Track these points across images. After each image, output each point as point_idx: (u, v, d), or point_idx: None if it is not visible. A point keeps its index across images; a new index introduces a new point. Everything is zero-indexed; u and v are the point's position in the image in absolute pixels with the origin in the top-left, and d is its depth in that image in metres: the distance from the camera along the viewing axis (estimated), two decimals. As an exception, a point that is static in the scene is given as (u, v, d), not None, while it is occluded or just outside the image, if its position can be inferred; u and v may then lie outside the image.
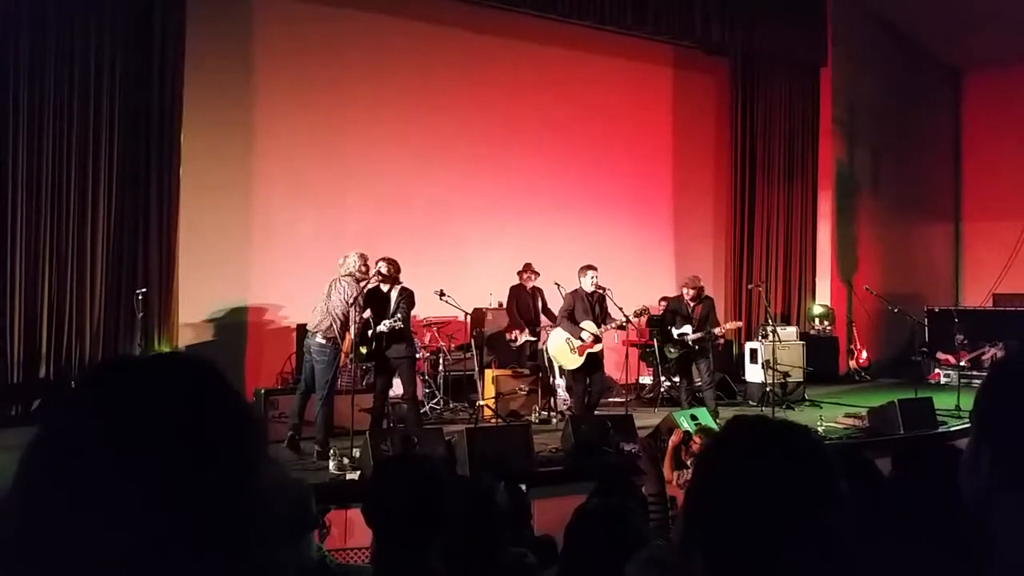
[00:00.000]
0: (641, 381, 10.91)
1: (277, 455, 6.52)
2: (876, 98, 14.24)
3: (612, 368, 9.86)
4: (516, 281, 9.71)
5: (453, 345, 9.77)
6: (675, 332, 9.28)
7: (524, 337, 9.52)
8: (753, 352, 10.64)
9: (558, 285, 9.05)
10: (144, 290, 8.33)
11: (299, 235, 9.87)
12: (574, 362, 8.43)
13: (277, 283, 9.63)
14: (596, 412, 8.30)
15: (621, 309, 8.47)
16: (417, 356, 8.51)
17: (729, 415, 6.91)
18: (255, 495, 0.81)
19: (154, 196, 8.77)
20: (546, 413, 9.17)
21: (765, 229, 13.08)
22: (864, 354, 13.11)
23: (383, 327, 7.30)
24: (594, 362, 8.42)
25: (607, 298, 8.58)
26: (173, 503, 0.75)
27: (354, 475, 6.23)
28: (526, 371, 9.39)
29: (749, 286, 12.44)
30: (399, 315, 7.37)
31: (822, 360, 11.95)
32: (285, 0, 10.03)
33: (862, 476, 1.98)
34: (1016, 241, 14.66)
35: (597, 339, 8.36)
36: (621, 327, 8.69)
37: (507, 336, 9.65)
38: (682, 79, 13.06)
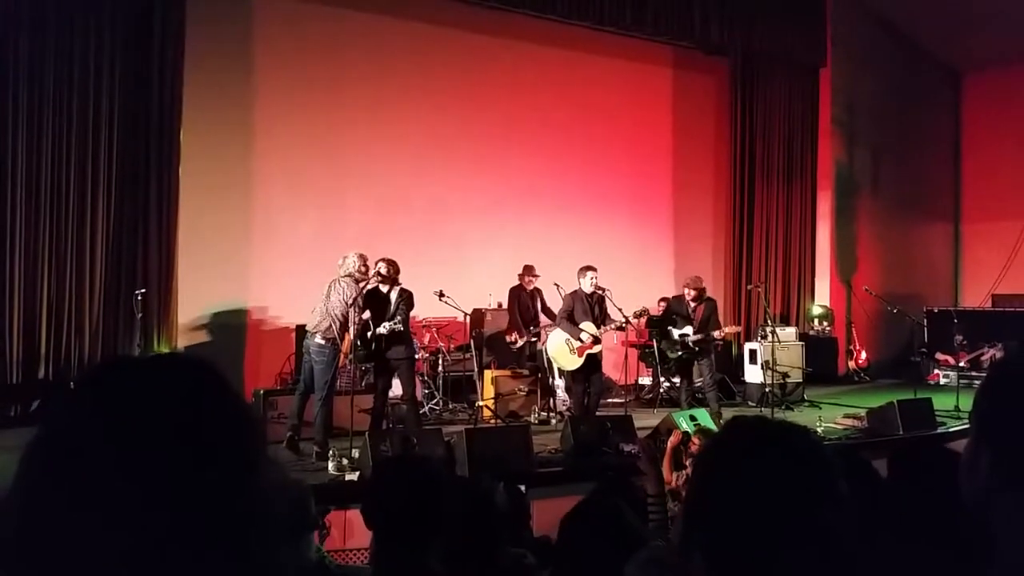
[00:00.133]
0: (640, 382, 10.91)
1: (276, 456, 6.52)
2: (876, 98, 14.24)
3: (611, 369, 9.87)
4: (515, 282, 9.71)
5: (452, 346, 9.77)
6: (676, 333, 9.26)
7: (524, 340, 9.52)
8: (752, 353, 10.64)
9: (558, 286, 9.05)
10: (143, 290, 8.33)
11: (299, 235, 9.87)
12: (573, 363, 8.43)
13: (276, 283, 9.63)
14: (595, 413, 8.30)
15: (620, 310, 8.46)
16: (416, 357, 8.51)
17: (728, 416, 6.94)
18: (255, 495, 0.81)
19: (153, 196, 8.76)
20: (545, 414, 9.17)
21: (764, 229, 13.08)
22: (863, 355, 13.11)
23: (383, 329, 7.30)
24: (593, 363, 8.42)
25: (606, 299, 8.58)
26: (172, 503, 0.75)
27: (353, 476, 6.23)
28: (525, 372, 9.39)
29: (748, 286, 12.44)
30: (399, 317, 7.37)
31: (821, 361, 11.95)
32: (285, 0, 10.03)
33: (859, 477, 1.98)
34: (1015, 241, 14.67)
35: (596, 340, 8.36)
36: (620, 328, 8.68)
37: (507, 338, 9.65)
38: (681, 79, 13.06)
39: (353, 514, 5.32)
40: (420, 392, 8.84)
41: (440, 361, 9.55)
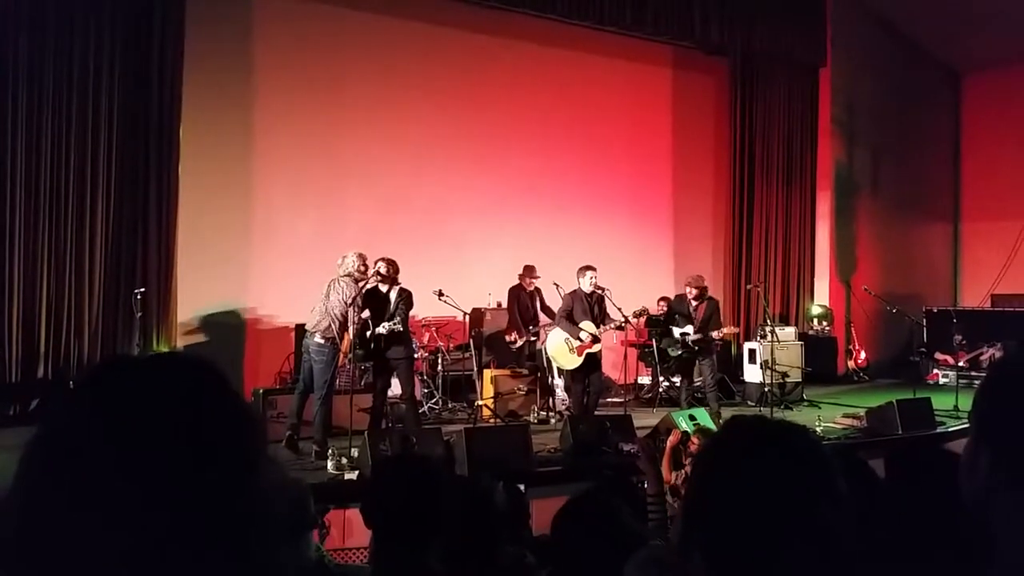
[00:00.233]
0: (640, 381, 10.91)
1: (276, 455, 6.52)
2: (875, 98, 14.24)
3: (611, 368, 9.87)
4: (515, 282, 9.71)
5: (452, 345, 9.77)
6: (677, 332, 9.24)
7: (523, 340, 9.53)
8: (752, 352, 10.64)
9: (557, 286, 9.05)
10: (143, 290, 8.33)
11: (298, 235, 9.87)
12: (573, 362, 8.43)
13: (276, 283, 9.63)
14: (595, 412, 8.30)
15: (620, 309, 8.46)
16: (415, 356, 8.51)
17: (727, 415, 6.94)
18: (255, 495, 0.81)
19: (153, 196, 8.76)
20: (545, 413, 9.17)
21: (764, 229, 13.08)
22: (863, 354, 13.11)
23: (382, 329, 7.30)
24: (593, 362, 8.42)
25: (606, 298, 8.57)
26: (172, 503, 0.75)
27: (352, 475, 6.23)
28: (525, 371, 9.39)
29: (748, 286, 12.44)
30: (398, 318, 7.37)
31: (820, 360, 11.95)
32: (285, 0, 10.03)
33: (857, 476, 1.98)
34: (1015, 241, 14.67)
35: (595, 339, 8.35)
36: (620, 327, 8.68)
37: (506, 338, 9.65)
38: (681, 79, 13.06)
39: (352, 513, 5.32)
40: (419, 391, 8.84)
41: (439, 360, 9.55)
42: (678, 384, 10.14)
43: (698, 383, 9.44)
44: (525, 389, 9.30)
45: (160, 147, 8.77)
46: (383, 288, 7.54)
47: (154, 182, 8.76)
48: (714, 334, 9.02)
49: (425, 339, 9.68)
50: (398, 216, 10.40)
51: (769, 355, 9.95)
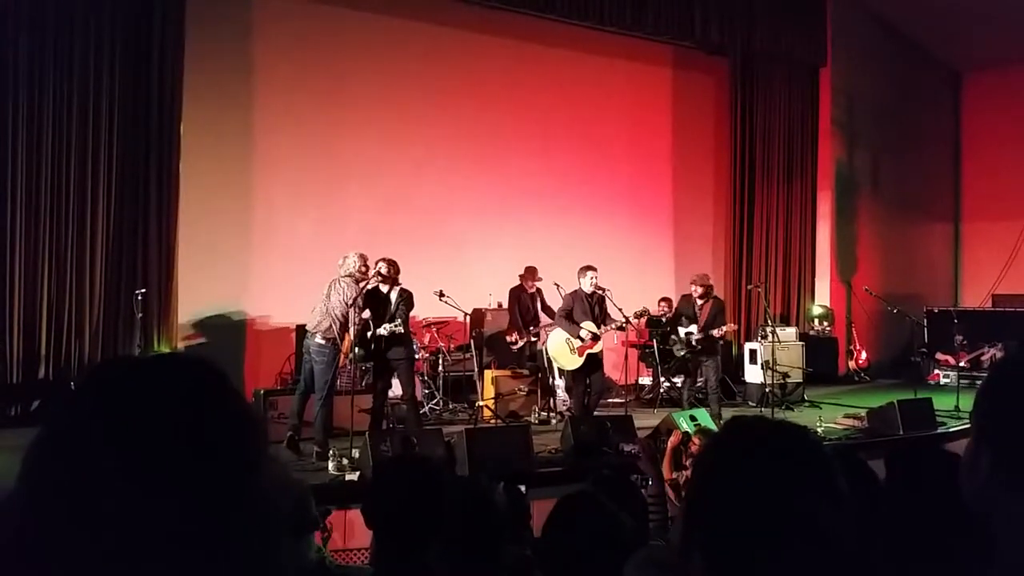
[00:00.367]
0: (641, 382, 10.91)
1: (278, 455, 6.51)
2: (876, 98, 14.24)
3: (611, 369, 9.86)
4: (516, 282, 9.71)
5: (452, 346, 9.77)
6: (682, 332, 9.19)
7: (524, 339, 9.53)
8: (752, 353, 10.64)
9: (558, 286, 9.05)
10: (143, 290, 8.33)
11: (298, 235, 9.87)
12: (574, 363, 8.42)
13: (276, 283, 9.63)
14: (595, 413, 8.30)
15: (621, 310, 8.45)
16: (416, 357, 8.51)
17: (728, 416, 6.93)
18: (256, 495, 0.81)
19: (153, 196, 8.76)
20: (545, 414, 9.17)
21: (764, 229, 13.08)
22: (863, 355, 13.11)
23: (383, 331, 7.30)
24: (594, 363, 8.41)
25: (607, 299, 8.57)
26: (173, 503, 0.75)
27: (353, 476, 6.23)
28: (525, 372, 9.39)
29: (748, 286, 12.44)
30: (399, 320, 7.36)
31: (821, 361, 11.95)
32: (285, 0, 10.03)
33: (856, 477, 1.98)
34: (1015, 242, 14.67)
35: (596, 337, 8.34)
36: (621, 328, 8.67)
37: (507, 338, 9.65)
38: (682, 79, 13.06)
39: (353, 514, 5.32)
40: (420, 392, 8.84)
41: (440, 361, 9.55)
42: (679, 385, 10.14)
43: (700, 383, 9.43)
44: (526, 390, 9.30)
45: (160, 147, 8.77)
46: (384, 288, 7.54)
47: (154, 182, 8.76)
48: (715, 332, 8.96)
49: (426, 340, 9.69)
50: (398, 216, 10.40)
51: (770, 355, 9.95)
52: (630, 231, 12.23)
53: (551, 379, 9.42)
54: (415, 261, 8.71)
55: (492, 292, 10.17)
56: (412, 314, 7.89)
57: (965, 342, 12.32)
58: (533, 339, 9.55)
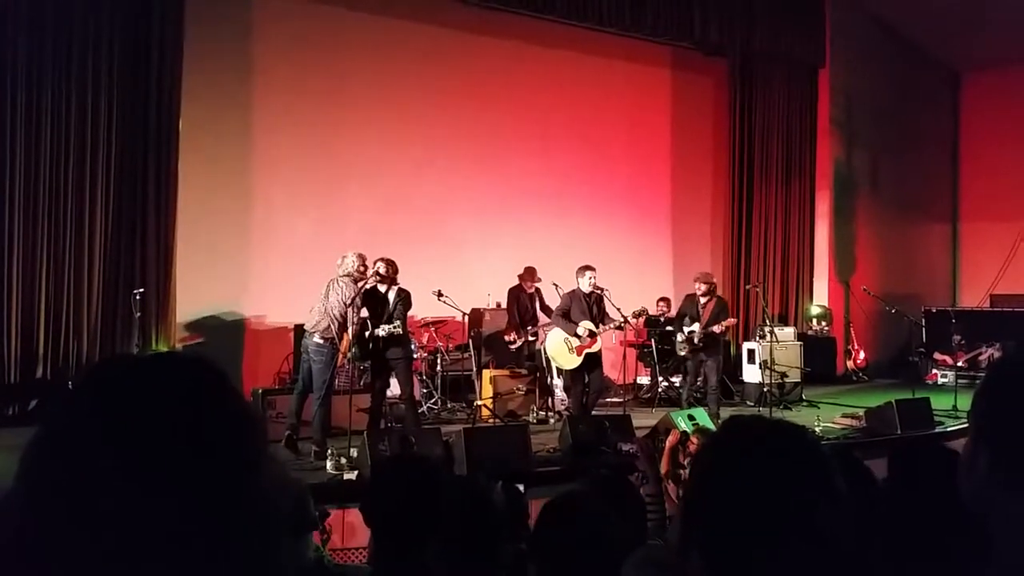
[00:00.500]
0: (639, 381, 10.91)
1: (276, 455, 6.51)
2: (875, 98, 14.24)
3: (610, 368, 9.85)
4: (515, 282, 9.71)
5: (451, 345, 9.77)
6: (686, 330, 9.16)
7: (522, 339, 9.53)
8: (751, 352, 10.64)
9: (557, 286, 9.05)
10: (142, 290, 8.32)
11: (297, 235, 9.87)
12: (572, 362, 8.42)
13: (275, 283, 9.62)
14: (594, 412, 8.30)
15: (619, 310, 8.45)
16: (414, 356, 8.51)
17: (726, 415, 6.93)
18: (256, 494, 0.81)
19: (152, 195, 8.76)
20: (544, 413, 9.17)
21: (763, 229, 13.09)
22: (862, 354, 13.12)
23: (382, 332, 7.29)
24: (592, 362, 8.41)
25: (605, 298, 8.56)
26: (172, 503, 0.75)
27: (352, 475, 6.23)
28: (524, 371, 9.39)
29: (747, 286, 12.45)
30: (398, 321, 7.36)
31: (820, 360, 11.96)
32: (285, 0, 10.03)
33: (854, 476, 1.98)
34: (1014, 242, 14.68)
35: (593, 336, 8.32)
36: (619, 327, 8.67)
37: (505, 338, 9.65)
38: (681, 80, 13.07)
39: (353, 514, 5.32)
40: (418, 391, 8.84)
41: (439, 360, 9.55)
42: (677, 384, 10.14)
43: (700, 382, 9.41)
44: (524, 389, 9.30)
45: (159, 147, 8.76)
46: (382, 288, 7.54)
47: (153, 181, 8.75)
48: (715, 328, 8.93)
49: (424, 339, 9.69)
50: (398, 216, 10.40)
51: (768, 355, 9.95)
52: (629, 231, 12.23)
53: (549, 379, 9.42)
54: (414, 261, 8.71)
55: (491, 292, 10.17)
56: (411, 314, 7.89)
57: (963, 342, 12.34)
58: (531, 338, 9.55)
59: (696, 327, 9.03)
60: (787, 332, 11.05)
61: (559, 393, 9.38)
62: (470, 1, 10.68)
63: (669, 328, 10.51)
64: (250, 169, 9.80)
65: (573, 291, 8.53)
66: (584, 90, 11.94)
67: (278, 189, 9.90)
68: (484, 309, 10.12)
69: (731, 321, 9.42)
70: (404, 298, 7.56)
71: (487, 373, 9.21)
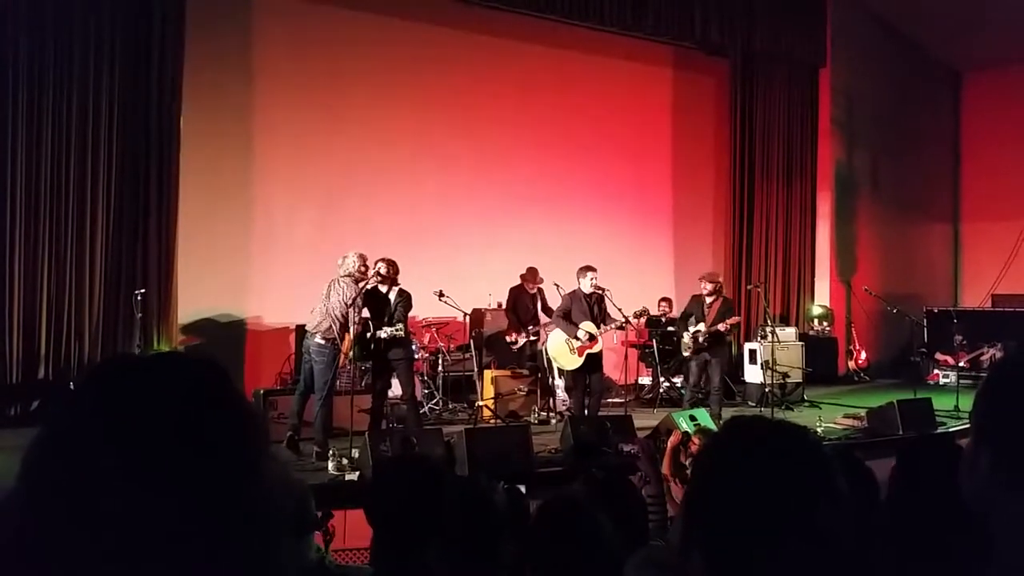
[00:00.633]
0: (640, 382, 10.91)
1: (278, 454, 6.50)
2: (876, 99, 14.24)
3: (611, 369, 9.86)
4: (516, 282, 9.70)
5: (452, 346, 9.77)
6: (691, 329, 9.13)
7: (524, 339, 9.52)
8: (752, 353, 10.63)
9: (558, 286, 9.05)
10: (143, 290, 8.32)
11: (298, 235, 9.87)
12: (573, 363, 8.41)
13: (276, 283, 9.63)
14: (596, 413, 8.29)
15: (620, 310, 8.44)
16: (415, 357, 8.51)
17: (727, 416, 6.93)
18: (256, 494, 0.81)
19: (153, 195, 8.76)
20: (545, 414, 9.17)
21: (764, 230, 13.09)
22: (863, 355, 13.11)
23: (383, 334, 7.29)
24: (594, 363, 8.40)
25: (606, 299, 8.56)
26: (173, 503, 0.75)
27: (353, 476, 6.23)
28: (525, 372, 9.39)
29: (748, 287, 12.44)
30: (399, 324, 7.35)
31: (821, 361, 11.95)
32: (285, 0, 10.03)
33: (855, 477, 1.98)
34: (1015, 242, 14.67)
35: (591, 336, 8.30)
36: (621, 327, 8.66)
37: (507, 338, 9.65)
38: (682, 80, 13.07)
39: (353, 514, 5.31)
40: (420, 392, 8.84)
41: (440, 361, 9.55)
42: (679, 385, 10.13)
43: (701, 383, 9.39)
44: (525, 390, 9.30)
45: (160, 146, 8.77)
46: (383, 289, 7.54)
47: (154, 181, 8.76)
48: (720, 326, 8.89)
49: (426, 340, 9.69)
50: (398, 216, 10.40)
51: (770, 355, 9.94)
52: (630, 231, 12.23)
53: (551, 379, 9.42)
54: (415, 261, 8.71)
55: (492, 292, 10.17)
56: (412, 314, 7.89)
57: (965, 342, 12.33)
58: (533, 338, 9.55)
59: (701, 327, 9.00)
60: (788, 332, 11.05)
61: (560, 394, 9.38)
62: (471, 1, 10.68)
63: (671, 328, 10.51)
64: (251, 169, 9.80)
65: (574, 292, 8.52)
66: (585, 89, 11.93)
67: (279, 189, 9.90)
68: (485, 309, 10.12)
69: (736, 319, 9.40)
70: (405, 299, 7.56)
71: (488, 374, 9.21)
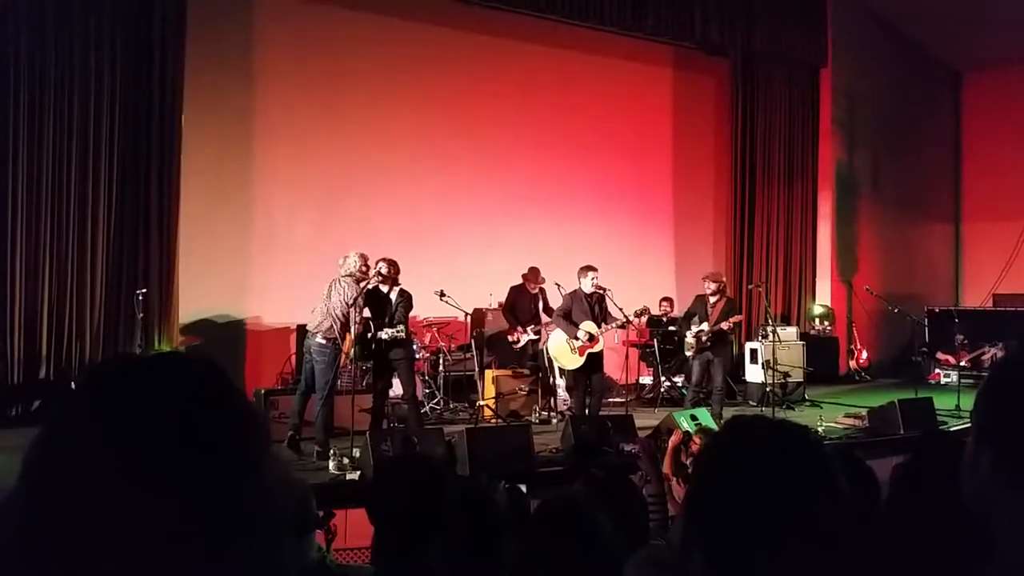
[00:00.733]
0: (641, 381, 10.91)
1: (279, 454, 6.51)
2: (876, 99, 14.24)
3: (612, 368, 9.86)
4: (517, 281, 9.70)
5: (453, 345, 9.77)
6: (694, 328, 9.12)
7: (526, 338, 9.52)
8: (753, 352, 10.63)
9: (558, 286, 9.05)
10: (144, 291, 8.32)
11: (299, 235, 9.87)
12: (575, 362, 8.41)
13: (277, 283, 9.63)
14: (597, 412, 8.29)
15: (621, 310, 8.44)
16: (416, 357, 8.51)
17: (728, 415, 6.93)
18: (257, 494, 0.81)
19: (154, 196, 8.76)
20: (546, 413, 9.16)
21: (765, 230, 13.08)
22: (864, 354, 13.11)
23: (384, 335, 7.29)
24: (595, 363, 8.39)
25: (607, 298, 8.55)
26: (174, 503, 0.76)
27: (354, 475, 6.23)
28: (526, 371, 9.39)
29: (749, 286, 12.45)
30: (401, 326, 7.35)
31: (822, 360, 11.95)
32: (286, 0, 10.03)
33: (856, 476, 1.98)
34: (1016, 241, 14.67)
35: (591, 336, 8.29)
36: (622, 326, 8.66)
37: (508, 337, 9.65)
38: (682, 80, 13.07)
39: (355, 513, 5.32)
40: (421, 392, 8.84)
41: (441, 361, 9.56)
42: (680, 384, 10.12)
43: (703, 383, 9.38)
44: (526, 389, 9.30)
45: (161, 146, 8.77)
46: (384, 288, 7.54)
47: (155, 181, 8.76)
48: (723, 325, 8.88)
49: (427, 339, 9.69)
50: (398, 216, 10.40)
51: (771, 355, 9.93)
52: (630, 231, 12.23)
53: (552, 379, 9.42)
54: (415, 261, 8.71)
55: (492, 292, 10.17)
56: (413, 314, 7.89)
57: (966, 342, 12.33)
58: (534, 337, 9.55)
59: (704, 326, 8.99)
60: (790, 332, 11.04)
61: (561, 393, 9.38)
62: (471, 1, 10.69)
63: (672, 328, 10.50)
64: (252, 169, 9.80)
65: (575, 291, 8.52)
66: (585, 89, 11.93)
67: (279, 189, 9.91)
68: (486, 309, 10.12)
69: (738, 318, 9.39)
70: (406, 299, 7.56)
71: (489, 373, 9.21)
